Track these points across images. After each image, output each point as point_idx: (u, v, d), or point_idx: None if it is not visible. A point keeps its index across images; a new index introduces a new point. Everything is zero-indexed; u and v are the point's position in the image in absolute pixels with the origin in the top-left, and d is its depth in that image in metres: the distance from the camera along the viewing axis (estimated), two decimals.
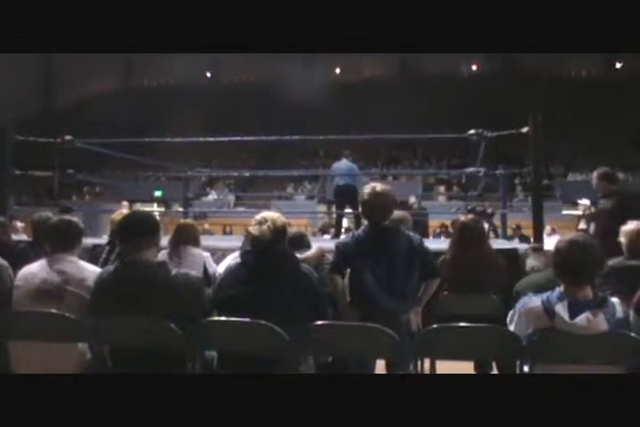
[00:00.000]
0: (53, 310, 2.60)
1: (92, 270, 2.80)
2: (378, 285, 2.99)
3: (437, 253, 3.76)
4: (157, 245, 2.77)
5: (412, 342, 2.57)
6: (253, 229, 2.69)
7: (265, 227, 2.67)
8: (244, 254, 2.78)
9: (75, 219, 2.99)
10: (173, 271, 2.61)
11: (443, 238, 9.92)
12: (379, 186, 3.12)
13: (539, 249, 3.95)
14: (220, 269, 4.07)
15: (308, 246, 3.85)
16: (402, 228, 3.26)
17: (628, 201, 4.74)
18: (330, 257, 3.44)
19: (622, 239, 3.28)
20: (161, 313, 2.44)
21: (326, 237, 10.15)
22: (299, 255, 2.98)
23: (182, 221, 5.53)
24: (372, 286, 3.00)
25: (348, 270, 3.15)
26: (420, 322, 3.19)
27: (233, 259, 3.91)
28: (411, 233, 3.21)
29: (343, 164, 7.98)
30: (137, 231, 2.62)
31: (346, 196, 7.71)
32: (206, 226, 10.07)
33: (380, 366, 3.13)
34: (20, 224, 6.36)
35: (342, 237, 6.06)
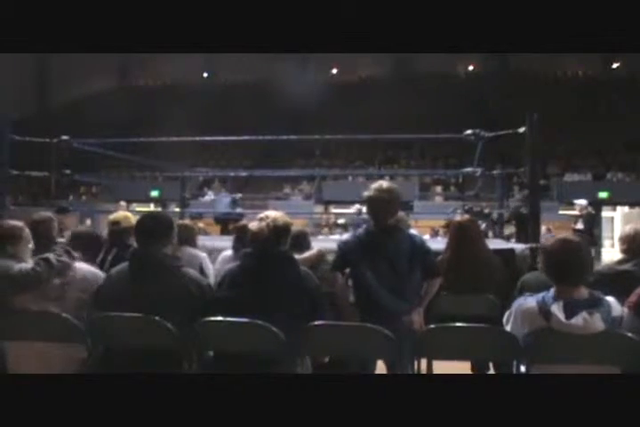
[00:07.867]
0: (51, 309, 2.63)
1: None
2: (379, 284, 2.99)
3: (437, 254, 3.76)
4: (171, 245, 2.82)
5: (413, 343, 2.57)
6: (252, 226, 2.71)
7: (264, 224, 2.68)
8: (243, 256, 2.78)
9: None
10: (183, 271, 2.67)
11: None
12: (385, 183, 3.11)
13: None
14: (210, 265, 4.07)
15: (309, 247, 3.84)
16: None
17: None
18: (330, 258, 3.43)
19: (618, 242, 3.28)
20: (168, 312, 2.46)
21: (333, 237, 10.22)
22: (297, 256, 2.98)
23: (180, 221, 5.52)
24: (374, 285, 2.99)
25: (350, 270, 3.15)
26: (423, 322, 3.18)
27: (226, 261, 3.90)
28: (412, 232, 3.21)
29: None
30: (152, 231, 2.70)
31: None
32: (201, 224, 10.11)
33: (381, 366, 3.12)
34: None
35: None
